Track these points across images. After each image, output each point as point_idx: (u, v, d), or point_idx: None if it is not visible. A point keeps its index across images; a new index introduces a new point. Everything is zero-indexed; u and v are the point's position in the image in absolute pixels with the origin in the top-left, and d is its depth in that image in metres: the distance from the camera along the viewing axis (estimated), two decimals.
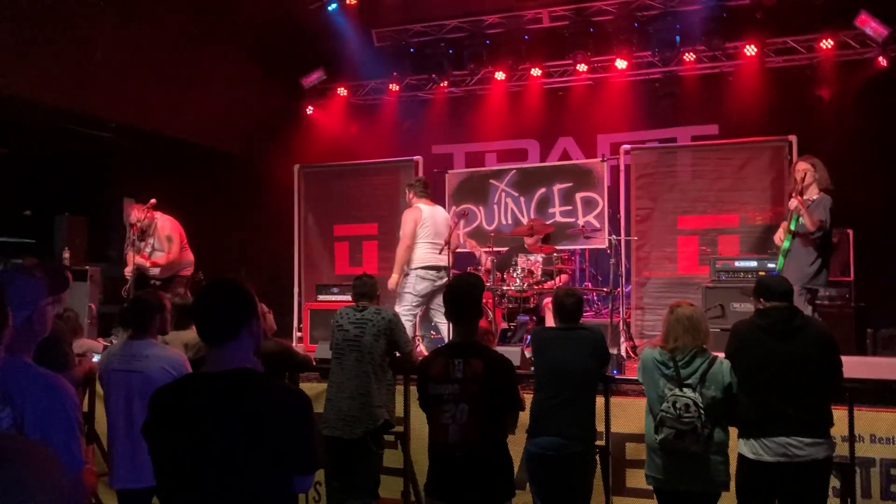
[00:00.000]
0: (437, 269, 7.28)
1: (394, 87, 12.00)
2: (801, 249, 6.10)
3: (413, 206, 7.53)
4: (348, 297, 9.07)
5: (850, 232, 8.50)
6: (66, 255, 8.95)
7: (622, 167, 9.25)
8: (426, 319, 7.79)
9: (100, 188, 9.50)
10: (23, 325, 2.62)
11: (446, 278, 7.20)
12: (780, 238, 6.24)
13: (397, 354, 5.43)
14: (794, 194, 6.16)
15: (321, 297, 9.62)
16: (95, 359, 5.77)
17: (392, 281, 7.48)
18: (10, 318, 2.53)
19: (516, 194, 10.34)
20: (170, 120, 9.74)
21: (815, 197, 6.14)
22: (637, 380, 4.59)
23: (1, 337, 2.53)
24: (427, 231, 7.32)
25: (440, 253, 7.31)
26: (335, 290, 9.65)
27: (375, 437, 5.27)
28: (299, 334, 9.65)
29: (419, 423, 5.72)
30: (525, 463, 4.74)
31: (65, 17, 8.31)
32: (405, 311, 7.25)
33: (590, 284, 9.98)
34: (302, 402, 2.41)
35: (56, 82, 8.33)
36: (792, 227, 6.13)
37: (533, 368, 4.98)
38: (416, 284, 7.26)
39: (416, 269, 7.31)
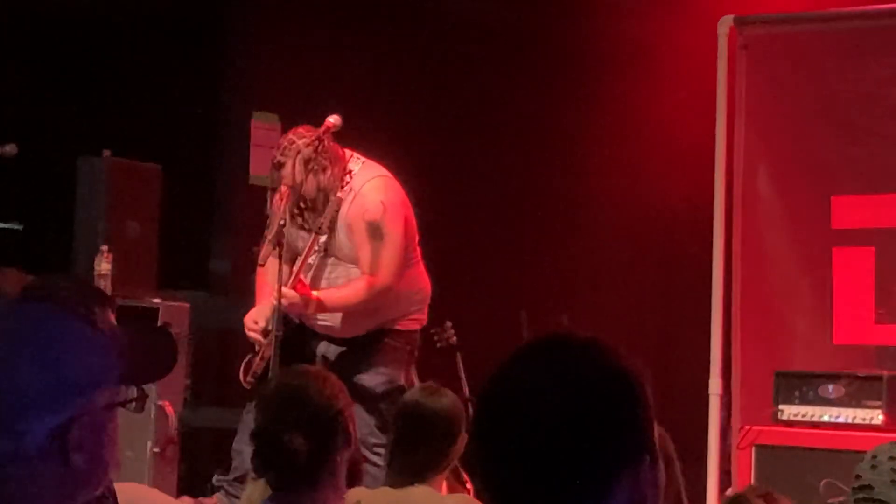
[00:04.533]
0: None
1: None
2: None
3: None
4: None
5: None
6: (106, 265, 3.42)
7: None
8: None
9: (190, 89, 3.82)
10: (36, 458, 1.02)
11: None
12: None
13: None
14: None
15: (787, 410, 3.57)
16: None
17: None
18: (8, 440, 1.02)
19: None
20: None
21: None
22: None
23: None
24: None
25: None
26: (830, 388, 3.62)
27: None
28: None
29: None
30: None
31: None
32: None
33: None
34: None
35: None
36: None
37: None
38: None
39: None
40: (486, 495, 1.05)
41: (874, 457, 2.62)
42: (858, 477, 2.47)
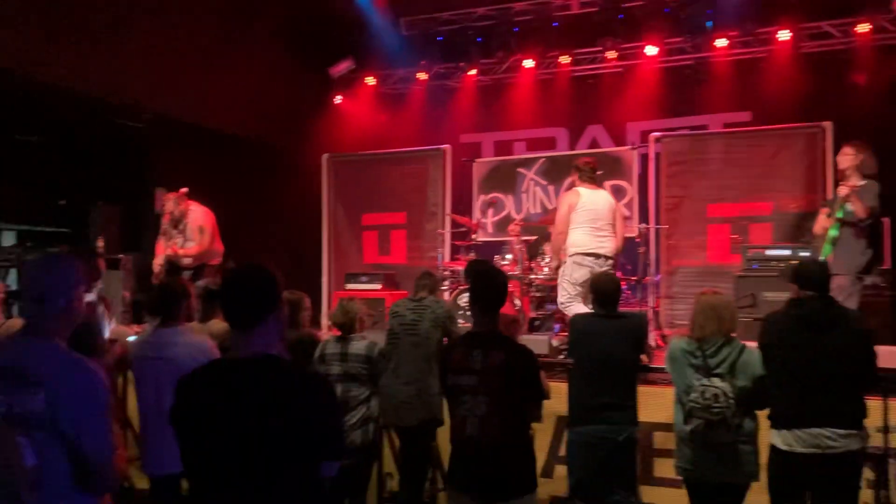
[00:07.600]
0: (595, 255, 6.55)
1: (422, 75, 11.80)
2: (850, 238, 5.92)
3: (572, 190, 6.86)
4: (377, 286, 9.61)
5: (887, 220, 8.32)
6: (101, 243, 9.10)
7: (652, 155, 9.14)
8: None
9: (133, 177, 9.63)
10: (59, 311, 2.72)
11: (607, 266, 6.52)
12: (823, 227, 6.07)
13: None
14: (841, 181, 6.03)
15: (349, 286, 9.70)
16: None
17: (551, 267, 7.19)
18: (47, 304, 2.69)
19: (545, 183, 10.29)
20: (202, 109, 9.80)
21: (860, 183, 5.97)
22: (665, 369, 4.54)
23: (39, 324, 2.63)
24: (584, 216, 6.56)
25: (602, 239, 6.57)
26: (364, 279, 9.76)
27: (431, 426, 5.22)
28: (328, 322, 9.68)
29: None
30: (568, 452, 4.65)
31: (100, 5, 8.38)
32: (565, 300, 6.59)
33: (619, 273, 9.90)
34: (327, 388, 2.42)
35: (90, 70, 8.41)
36: (839, 215, 5.95)
37: (569, 355, 4.84)
38: (573, 272, 6.55)
39: (571, 255, 6.58)
40: None
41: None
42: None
